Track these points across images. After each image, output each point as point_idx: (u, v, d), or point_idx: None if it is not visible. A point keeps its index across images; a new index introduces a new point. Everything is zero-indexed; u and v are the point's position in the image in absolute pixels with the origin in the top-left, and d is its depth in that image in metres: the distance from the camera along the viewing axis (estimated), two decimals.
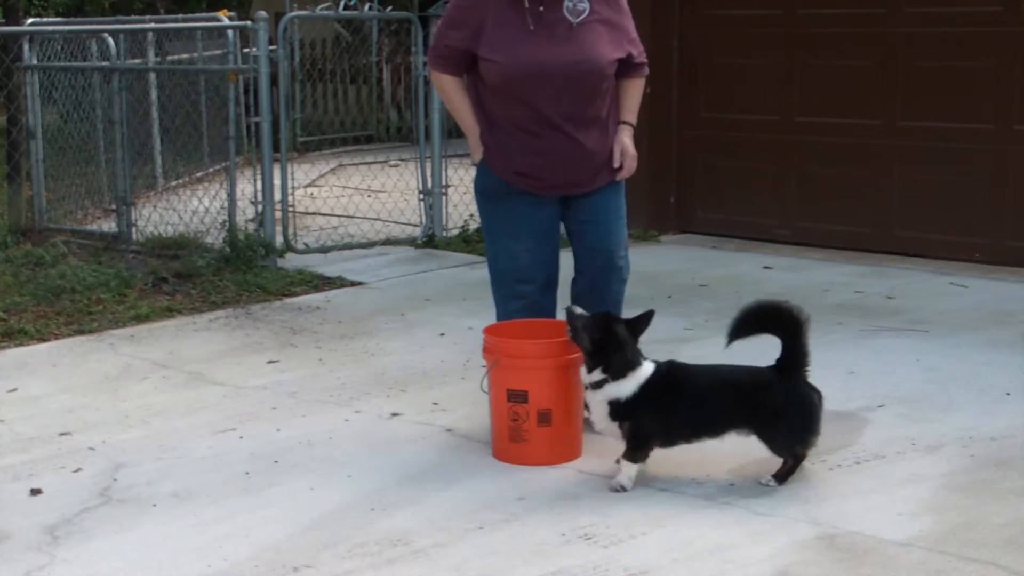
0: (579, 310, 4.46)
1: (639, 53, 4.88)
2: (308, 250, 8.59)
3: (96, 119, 9.59)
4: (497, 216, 4.91)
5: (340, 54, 16.24)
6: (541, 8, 4.66)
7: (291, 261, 8.28)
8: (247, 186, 8.54)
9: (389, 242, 9.04)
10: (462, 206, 9.66)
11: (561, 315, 4.62)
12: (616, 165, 4.84)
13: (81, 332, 6.57)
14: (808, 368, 4.34)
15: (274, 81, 8.48)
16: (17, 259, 8.11)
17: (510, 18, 4.69)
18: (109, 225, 9.29)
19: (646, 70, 4.94)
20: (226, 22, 8.90)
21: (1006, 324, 6.48)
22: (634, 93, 4.92)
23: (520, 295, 4.93)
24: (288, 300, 7.32)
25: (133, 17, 13.44)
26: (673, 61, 9.04)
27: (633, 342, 4.37)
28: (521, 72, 4.66)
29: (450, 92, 4.85)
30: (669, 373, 4.39)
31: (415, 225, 9.39)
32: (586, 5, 4.70)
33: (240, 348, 6.27)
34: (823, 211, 8.59)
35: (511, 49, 4.67)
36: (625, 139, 4.86)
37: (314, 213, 10.42)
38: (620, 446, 4.38)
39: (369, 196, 11.08)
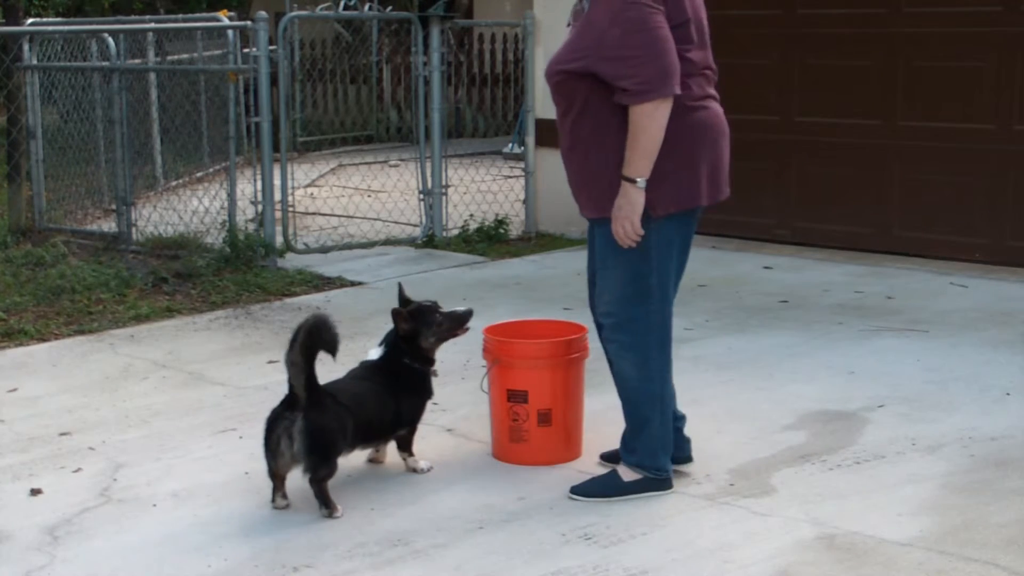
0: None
1: (624, 75, 3.92)
2: (308, 250, 8.59)
3: (96, 119, 9.59)
4: None
5: (340, 54, 16.24)
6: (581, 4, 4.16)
7: (291, 261, 8.28)
8: (247, 186, 8.55)
9: (389, 242, 9.04)
10: (462, 206, 9.67)
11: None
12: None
13: (81, 332, 6.57)
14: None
15: (274, 81, 8.48)
16: (17, 259, 8.11)
17: None
18: (109, 225, 9.29)
19: (637, 98, 3.90)
20: (226, 22, 8.90)
21: (1006, 324, 6.48)
22: (631, 131, 3.96)
23: None
24: (288, 300, 7.32)
25: (133, 17, 13.42)
26: None
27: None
28: None
29: None
30: None
31: (415, 225, 9.39)
32: (586, 4, 4.08)
33: (240, 348, 6.27)
34: (823, 211, 8.59)
35: None
36: (616, 205, 4.02)
37: (314, 213, 10.43)
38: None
39: (369, 196, 11.09)
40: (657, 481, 4.27)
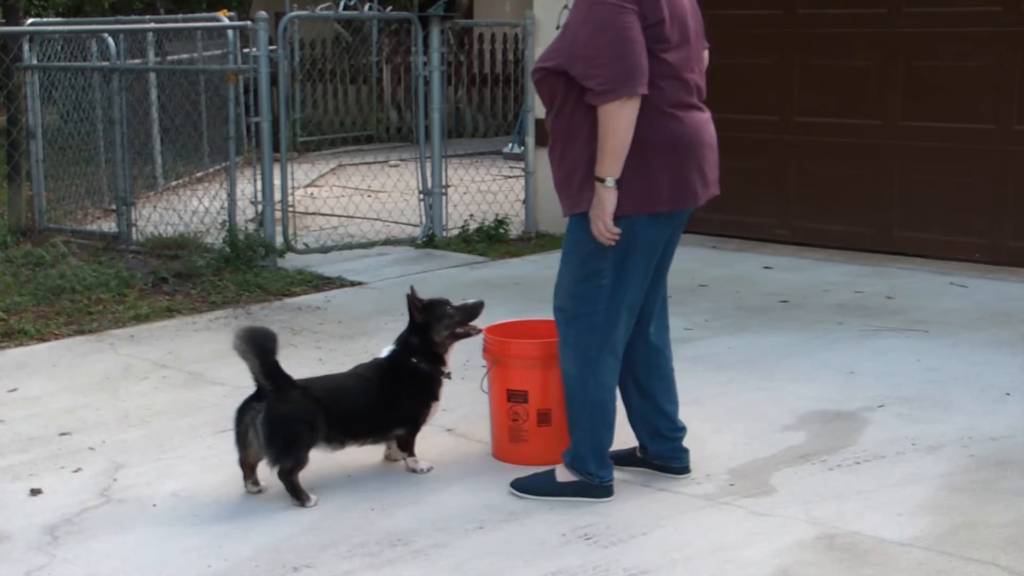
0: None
1: (589, 74, 3.89)
2: (308, 250, 8.59)
3: (96, 119, 9.60)
4: None
5: (340, 54, 16.25)
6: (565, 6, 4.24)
7: (291, 261, 8.28)
8: (247, 186, 8.54)
9: (389, 242, 9.04)
10: (462, 206, 9.67)
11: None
12: None
13: (81, 332, 6.57)
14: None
15: (274, 81, 8.48)
16: (17, 259, 8.12)
17: None
18: (109, 225, 9.29)
19: (601, 97, 3.87)
20: (226, 22, 8.90)
21: (1006, 324, 6.48)
22: (599, 131, 3.92)
23: None
24: (288, 300, 7.32)
25: (133, 17, 13.42)
26: None
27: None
28: None
29: None
30: None
31: (415, 225, 9.39)
32: (570, 4, 4.21)
33: None
34: (823, 211, 8.59)
35: None
36: (592, 204, 4.00)
37: (314, 213, 10.43)
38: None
39: (369, 196, 11.09)
40: (592, 487, 4.21)
